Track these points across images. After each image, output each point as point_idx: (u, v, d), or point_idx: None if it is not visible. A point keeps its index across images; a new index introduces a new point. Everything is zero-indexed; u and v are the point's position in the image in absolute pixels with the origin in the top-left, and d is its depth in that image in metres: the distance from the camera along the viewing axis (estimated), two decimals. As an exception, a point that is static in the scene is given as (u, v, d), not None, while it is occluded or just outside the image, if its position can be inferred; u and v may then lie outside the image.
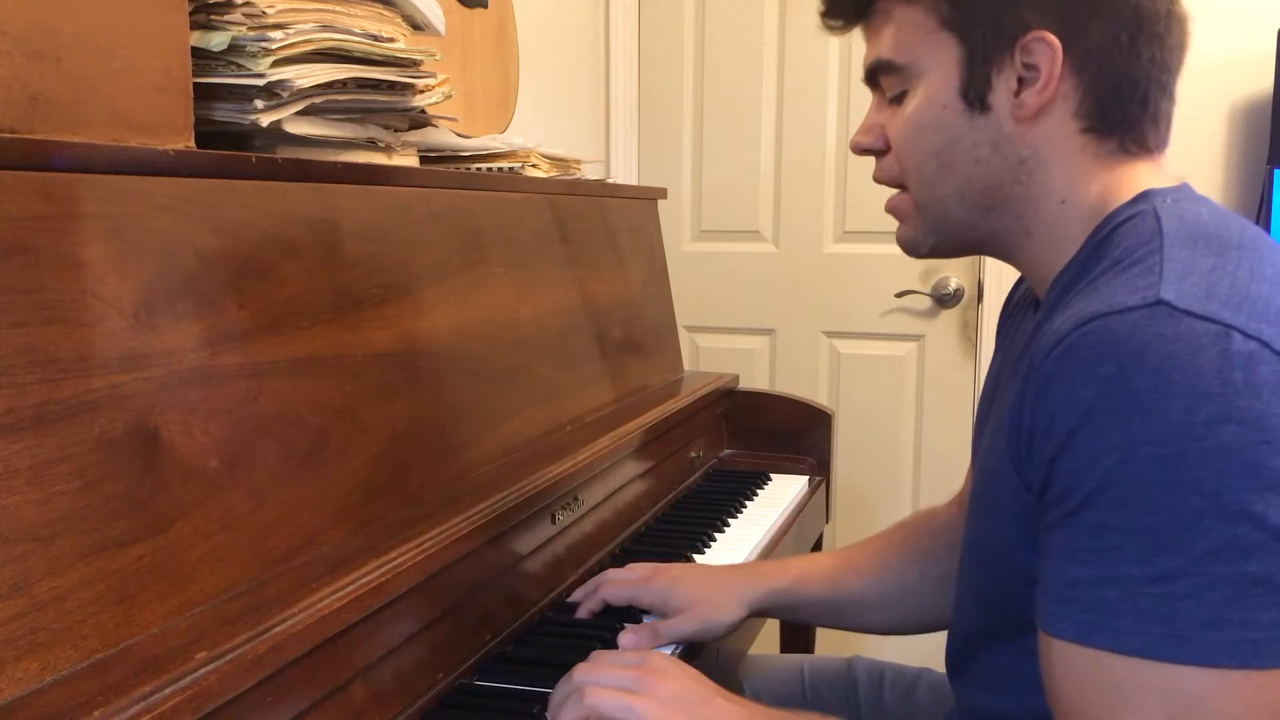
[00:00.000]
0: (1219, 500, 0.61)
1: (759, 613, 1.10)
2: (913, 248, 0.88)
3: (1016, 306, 0.98)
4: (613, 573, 1.11)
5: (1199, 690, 0.63)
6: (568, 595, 1.13)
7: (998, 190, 0.81)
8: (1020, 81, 0.78)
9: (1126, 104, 0.78)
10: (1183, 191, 0.79)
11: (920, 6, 0.80)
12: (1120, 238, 0.75)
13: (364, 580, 0.79)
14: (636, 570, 1.11)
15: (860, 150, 0.88)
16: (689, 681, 0.83)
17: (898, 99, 0.84)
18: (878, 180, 0.88)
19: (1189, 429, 0.62)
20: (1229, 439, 0.61)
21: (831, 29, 0.88)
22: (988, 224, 0.83)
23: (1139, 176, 0.79)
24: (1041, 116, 0.78)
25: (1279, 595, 0.61)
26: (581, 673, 0.83)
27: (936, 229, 0.85)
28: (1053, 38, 0.76)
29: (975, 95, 0.79)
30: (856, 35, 0.89)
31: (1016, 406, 0.72)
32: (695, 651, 1.05)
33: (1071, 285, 0.77)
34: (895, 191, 0.88)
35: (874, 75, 0.85)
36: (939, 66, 0.80)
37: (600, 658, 0.87)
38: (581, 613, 1.08)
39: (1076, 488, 0.66)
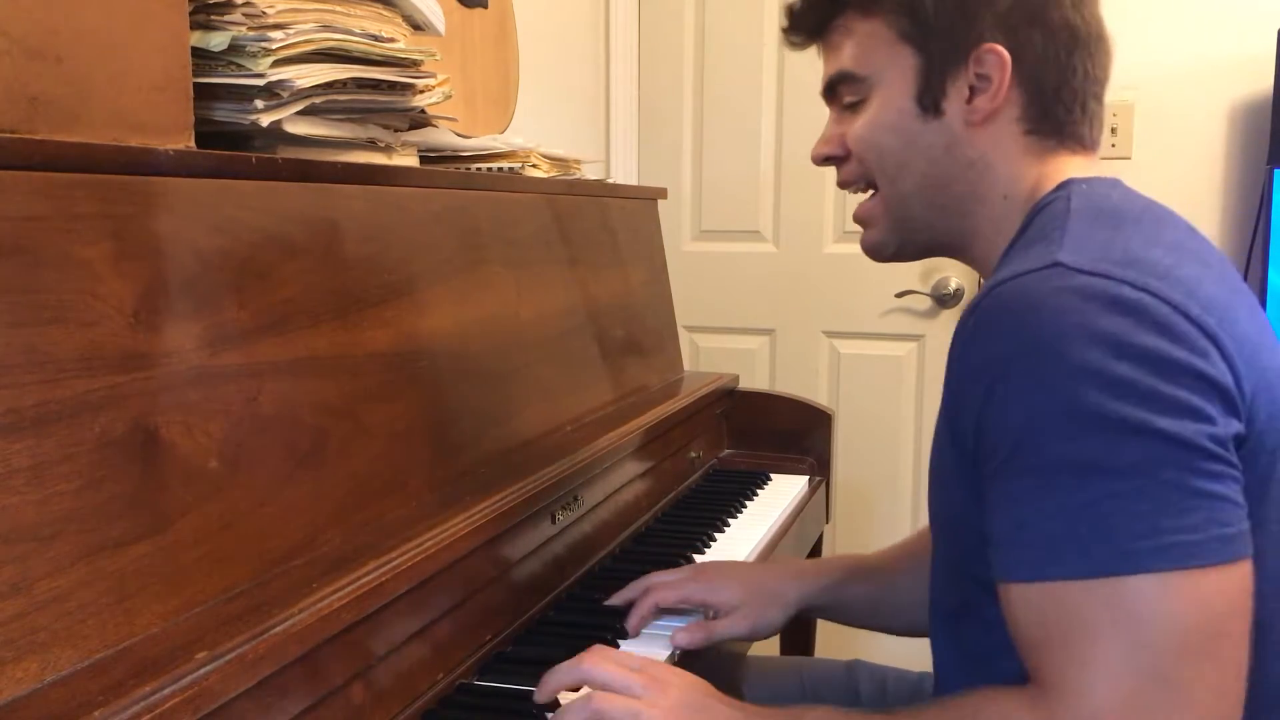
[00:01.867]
0: (1127, 424, 0.67)
1: (804, 611, 1.13)
2: (876, 250, 0.95)
3: None
4: (658, 576, 1.11)
5: (1144, 596, 0.67)
6: (568, 595, 1.13)
7: (949, 190, 0.88)
8: (972, 90, 0.85)
9: (1069, 106, 0.86)
10: (1104, 180, 0.85)
11: (880, 21, 0.87)
12: (1039, 221, 0.82)
13: (364, 580, 0.79)
14: (681, 570, 1.12)
15: (821, 159, 0.95)
16: (689, 689, 0.84)
17: (853, 107, 0.90)
18: (842, 184, 0.95)
19: (1089, 365, 0.68)
20: (1125, 372, 0.67)
21: (793, 44, 0.95)
22: (942, 223, 0.90)
23: (1068, 168, 0.86)
24: (990, 121, 0.85)
25: (1200, 499, 0.67)
26: (591, 664, 0.83)
27: (899, 230, 0.92)
28: (1003, 50, 0.83)
29: (930, 101, 0.86)
30: None
31: (946, 382, 0.77)
32: (693, 658, 1.05)
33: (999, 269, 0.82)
34: (864, 197, 0.94)
35: (833, 87, 0.92)
36: (897, 77, 0.87)
37: (605, 654, 0.86)
38: (634, 620, 1.06)
39: (1003, 439, 0.71)
